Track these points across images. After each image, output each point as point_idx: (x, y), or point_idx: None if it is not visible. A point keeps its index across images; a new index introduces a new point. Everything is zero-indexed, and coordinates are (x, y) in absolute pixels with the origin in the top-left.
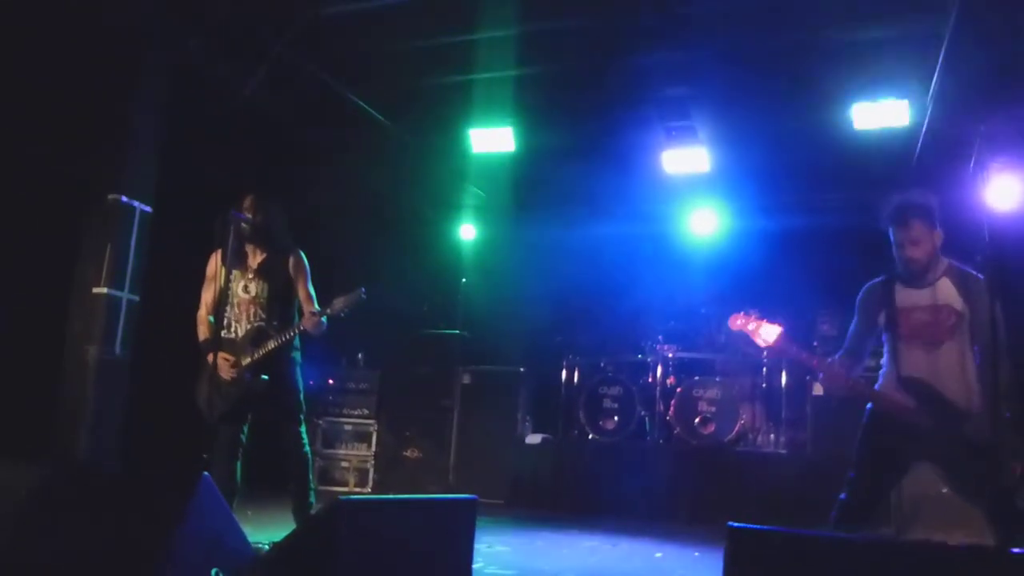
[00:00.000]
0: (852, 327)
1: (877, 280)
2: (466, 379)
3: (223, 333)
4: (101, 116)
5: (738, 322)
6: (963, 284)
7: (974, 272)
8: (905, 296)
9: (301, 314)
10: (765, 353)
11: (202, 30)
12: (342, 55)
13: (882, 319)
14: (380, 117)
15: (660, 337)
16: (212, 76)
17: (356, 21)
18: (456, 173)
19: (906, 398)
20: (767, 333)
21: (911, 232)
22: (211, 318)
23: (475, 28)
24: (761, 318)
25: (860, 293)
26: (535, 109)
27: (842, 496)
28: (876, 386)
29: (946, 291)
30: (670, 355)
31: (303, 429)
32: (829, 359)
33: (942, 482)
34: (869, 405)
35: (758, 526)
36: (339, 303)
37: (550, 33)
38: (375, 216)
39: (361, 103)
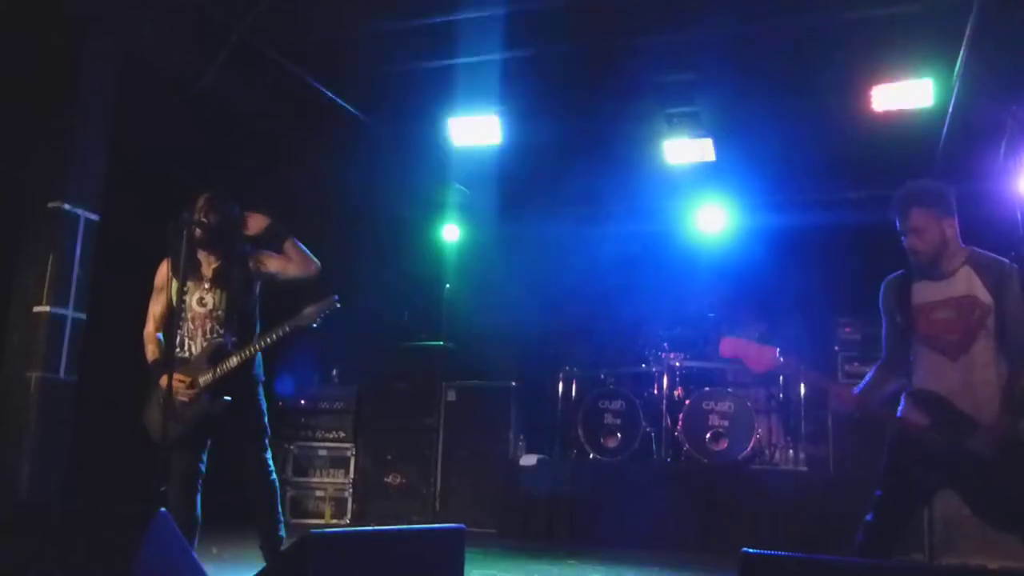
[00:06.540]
0: (883, 332)
1: (895, 275)
2: (451, 395)
3: (176, 352)
4: (39, 113)
5: (730, 347)
6: (988, 273)
7: (1004, 260)
8: (923, 291)
9: (263, 327)
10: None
11: (153, 13)
12: (308, 39)
13: (899, 319)
14: (350, 108)
15: (665, 345)
16: (165, 65)
17: (324, 0)
18: (437, 168)
19: (920, 416)
20: (762, 356)
21: (910, 221)
22: (160, 335)
23: (456, 7)
24: (754, 341)
25: (880, 291)
26: (523, 96)
27: (868, 517)
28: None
29: (967, 281)
30: (677, 364)
31: (268, 454)
32: (837, 381)
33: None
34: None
35: (775, 552)
36: (310, 312)
37: (539, 12)
38: (347, 216)
39: (329, 92)
